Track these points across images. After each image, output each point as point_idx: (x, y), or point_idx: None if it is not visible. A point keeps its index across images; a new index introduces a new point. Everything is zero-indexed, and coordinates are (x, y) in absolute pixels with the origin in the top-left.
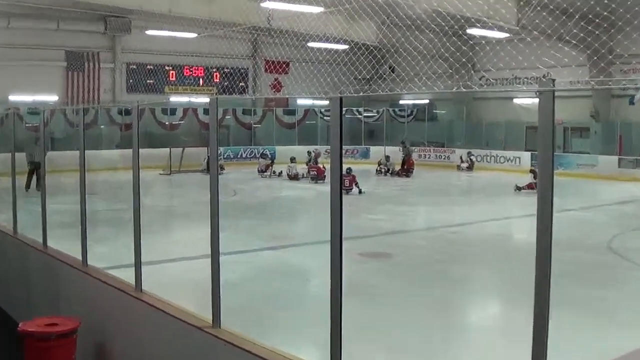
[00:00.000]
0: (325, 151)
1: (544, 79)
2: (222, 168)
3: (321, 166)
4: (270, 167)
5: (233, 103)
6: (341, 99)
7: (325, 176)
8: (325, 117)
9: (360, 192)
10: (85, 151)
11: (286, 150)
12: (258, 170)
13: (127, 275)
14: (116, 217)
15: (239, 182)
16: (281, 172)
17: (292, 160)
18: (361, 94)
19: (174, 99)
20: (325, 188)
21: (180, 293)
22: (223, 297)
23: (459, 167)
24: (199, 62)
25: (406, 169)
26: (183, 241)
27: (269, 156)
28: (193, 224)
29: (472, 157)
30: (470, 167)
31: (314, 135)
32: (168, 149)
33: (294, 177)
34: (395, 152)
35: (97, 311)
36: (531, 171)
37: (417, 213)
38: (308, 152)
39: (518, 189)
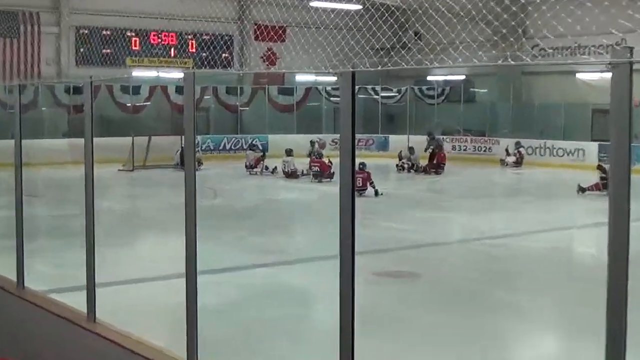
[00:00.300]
0: (332, 141)
1: (618, 48)
2: (199, 163)
3: (326, 160)
4: (262, 162)
5: (214, 80)
6: (353, 74)
7: (332, 173)
8: (332, 98)
9: (376, 193)
10: (23, 141)
11: (282, 140)
12: (246, 166)
13: (77, 301)
14: (63, 226)
15: (222, 180)
16: (275, 168)
17: (289, 152)
18: (379, 67)
19: (138, 73)
20: (331, 189)
21: (145, 323)
22: (202, 327)
23: (503, 162)
24: (171, 26)
25: (436, 164)
26: (150, 256)
27: (260, 148)
28: (163, 235)
29: (520, 148)
30: (518, 162)
31: (317, 121)
32: (130, 138)
33: (291, 175)
34: (421, 143)
35: (36, 347)
36: (599, 167)
37: (450, 221)
38: (311, 142)
39: (581, 190)
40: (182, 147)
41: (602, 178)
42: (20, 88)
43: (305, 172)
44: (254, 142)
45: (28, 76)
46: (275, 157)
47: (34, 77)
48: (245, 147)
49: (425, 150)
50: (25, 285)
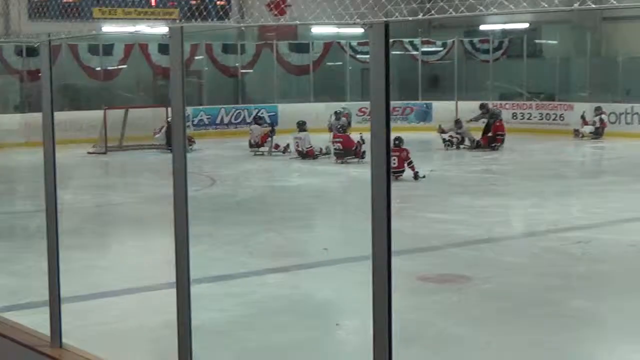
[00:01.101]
0: (360, 111)
1: None
2: (191, 142)
3: (353, 136)
4: (270, 139)
5: (207, 35)
6: (387, 25)
7: (361, 152)
8: (358, 56)
9: (416, 176)
10: None
11: (294, 110)
12: (250, 144)
13: (39, 321)
14: (16, 226)
15: (220, 163)
16: (287, 146)
17: (302, 126)
18: (419, 16)
19: (110, 28)
20: (360, 172)
21: (123, 347)
22: (200, 351)
23: (578, 133)
24: None
25: (491, 137)
26: (129, 263)
27: (267, 121)
28: (145, 235)
29: (602, 115)
30: (598, 132)
31: (339, 86)
32: (101, 112)
33: (307, 155)
34: (471, 113)
35: None
36: None
37: (512, 210)
38: (336, 112)
39: None
40: (167, 123)
41: None
42: None
43: (324, 150)
44: (259, 114)
45: None
46: (287, 131)
47: None
48: (249, 120)
49: (470, 120)
50: None
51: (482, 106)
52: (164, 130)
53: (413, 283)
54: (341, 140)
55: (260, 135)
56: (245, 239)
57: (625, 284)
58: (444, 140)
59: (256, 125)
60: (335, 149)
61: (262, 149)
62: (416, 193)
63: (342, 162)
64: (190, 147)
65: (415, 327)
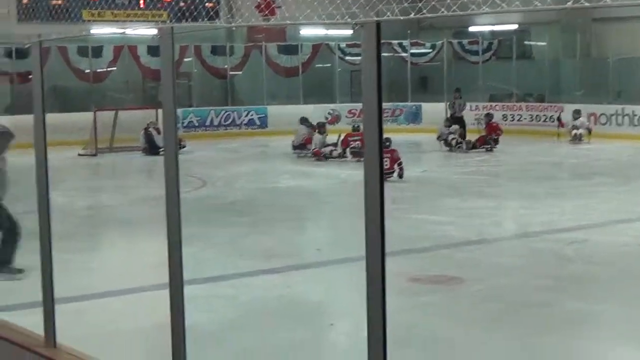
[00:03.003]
0: (349, 112)
1: None
2: (181, 143)
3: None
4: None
5: (196, 37)
6: (378, 24)
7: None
8: (347, 58)
9: (400, 176)
10: None
11: (284, 112)
12: (293, 146)
13: (32, 321)
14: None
15: (210, 165)
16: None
17: (305, 122)
18: (411, 15)
19: (99, 30)
20: (341, 172)
21: (116, 348)
22: (191, 354)
23: (570, 134)
24: None
25: (487, 137)
26: (121, 264)
27: (312, 123)
28: (138, 236)
29: (580, 118)
30: (588, 134)
31: (328, 87)
32: (91, 114)
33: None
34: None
35: None
36: None
37: (503, 211)
38: (329, 112)
39: None
40: (146, 126)
41: None
42: None
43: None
44: (303, 117)
45: None
46: (277, 133)
47: None
48: (238, 122)
49: (452, 115)
50: None
51: (457, 90)
52: (143, 132)
53: (404, 284)
54: (359, 138)
55: (305, 136)
56: (236, 241)
57: (618, 285)
58: (445, 142)
59: (302, 126)
60: (352, 147)
61: (305, 151)
62: (406, 194)
63: (359, 161)
64: (181, 149)
65: (407, 328)
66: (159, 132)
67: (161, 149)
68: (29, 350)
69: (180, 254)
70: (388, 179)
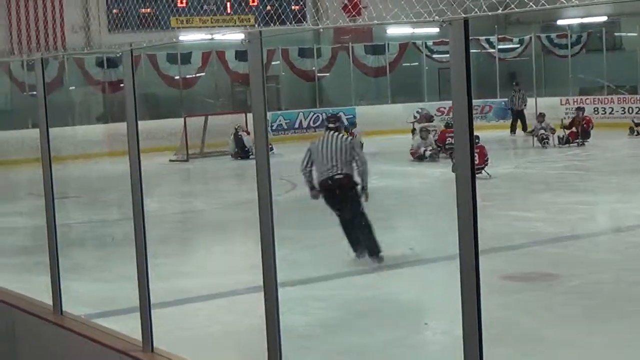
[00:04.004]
0: (438, 110)
1: None
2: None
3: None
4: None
5: (283, 40)
6: (466, 21)
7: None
8: (435, 56)
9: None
10: (49, 129)
11: (372, 112)
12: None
13: (129, 327)
14: (103, 234)
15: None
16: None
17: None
18: (499, 11)
19: (187, 37)
20: (434, 171)
21: (213, 350)
22: (286, 354)
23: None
24: None
25: (580, 131)
26: (216, 267)
27: (345, 124)
28: (230, 239)
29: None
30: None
31: (416, 86)
32: (181, 120)
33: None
34: (551, 109)
35: None
36: None
37: (597, 206)
38: (418, 111)
39: None
40: (235, 130)
41: None
42: (43, 62)
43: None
44: (335, 116)
45: (50, 47)
46: (366, 134)
47: (57, 48)
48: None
49: (511, 108)
50: (64, 310)
51: (516, 83)
52: (233, 136)
53: (497, 282)
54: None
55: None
56: (329, 242)
57: None
58: (542, 139)
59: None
60: (448, 143)
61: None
62: (497, 191)
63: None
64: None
65: (501, 326)
66: (248, 134)
67: (251, 152)
68: (128, 355)
69: (273, 256)
70: (477, 174)
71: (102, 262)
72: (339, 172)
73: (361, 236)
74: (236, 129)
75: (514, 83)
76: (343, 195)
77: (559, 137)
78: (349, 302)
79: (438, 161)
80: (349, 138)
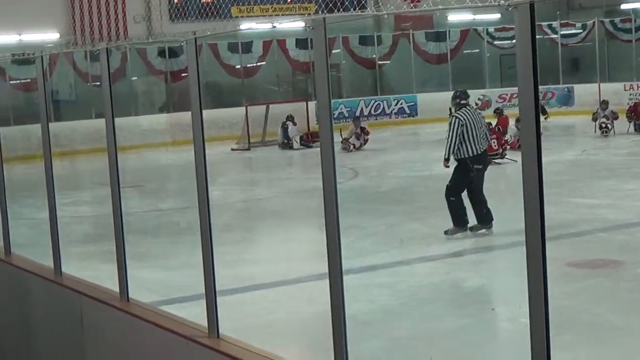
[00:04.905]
0: (500, 97)
1: None
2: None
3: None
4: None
5: (343, 28)
6: (532, 5)
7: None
8: (496, 42)
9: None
10: (115, 119)
11: (433, 99)
12: None
13: (194, 313)
14: (167, 222)
15: (361, 155)
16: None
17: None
18: None
19: (248, 25)
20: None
21: (278, 337)
22: (351, 342)
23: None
24: None
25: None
26: (280, 255)
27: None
28: (293, 227)
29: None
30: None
31: (477, 73)
32: (243, 109)
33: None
34: (615, 94)
35: None
36: None
37: None
38: (479, 98)
39: None
40: (286, 124)
41: None
42: (107, 52)
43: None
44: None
45: (113, 38)
46: (427, 121)
47: (119, 38)
48: (388, 111)
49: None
50: (130, 297)
51: None
52: (282, 130)
53: (563, 269)
54: None
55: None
56: (392, 229)
57: None
58: (601, 127)
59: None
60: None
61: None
62: (561, 178)
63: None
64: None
65: (568, 313)
66: (295, 124)
67: (293, 142)
68: (194, 341)
69: (338, 243)
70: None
71: (168, 250)
72: (485, 147)
73: (484, 208)
74: (286, 119)
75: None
76: (482, 170)
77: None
78: (414, 289)
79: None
80: (481, 112)
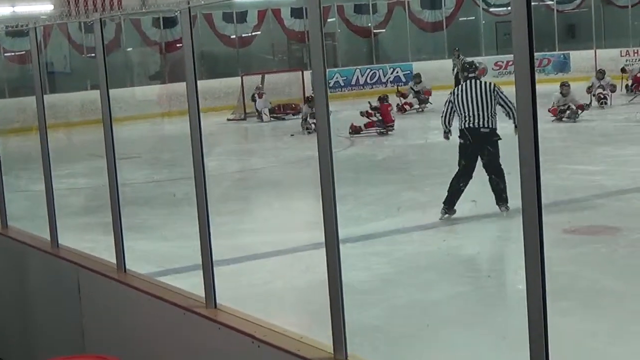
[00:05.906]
0: (495, 64)
1: None
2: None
3: None
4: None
5: None
6: None
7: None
8: (492, 9)
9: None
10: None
11: (429, 67)
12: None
13: (191, 284)
14: (163, 193)
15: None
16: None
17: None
18: None
19: None
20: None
21: (276, 306)
22: (348, 310)
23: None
24: None
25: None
26: (276, 224)
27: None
28: (289, 197)
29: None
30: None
31: (473, 40)
32: (238, 79)
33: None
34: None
35: (147, 341)
36: None
37: None
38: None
39: None
40: (254, 93)
41: None
42: (101, 23)
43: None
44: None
45: (107, 9)
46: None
47: (114, 9)
48: (384, 80)
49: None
50: (128, 268)
51: (456, 49)
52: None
53: (560, 236)
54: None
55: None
56: (388, 198)
57: None
58: (599, 99)
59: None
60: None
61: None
62: (557, 144)
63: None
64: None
65: (565, 279)
66: (260, 97)
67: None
68: (192, 311)
69: (335, 212)
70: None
71: (164, 221)
72: (485, 125)
73: (502, 184)
74: (254, 91)
75: (455, 49)
76: (484, 148)
77: (626, 86)
78: (411, 257)
79: None
80: (492, 83)
